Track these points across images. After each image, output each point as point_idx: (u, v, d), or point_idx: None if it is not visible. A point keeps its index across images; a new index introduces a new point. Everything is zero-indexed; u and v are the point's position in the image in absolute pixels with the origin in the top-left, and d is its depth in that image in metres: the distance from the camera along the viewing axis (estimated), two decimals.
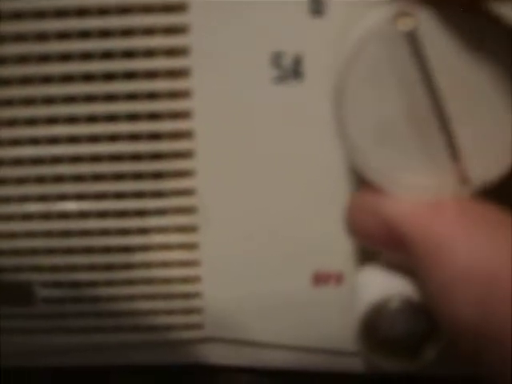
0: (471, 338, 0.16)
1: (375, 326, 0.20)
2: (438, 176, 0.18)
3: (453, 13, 0.16)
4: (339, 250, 0.21)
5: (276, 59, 0.19)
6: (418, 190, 0.18)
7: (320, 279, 0.22)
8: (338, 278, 0.22)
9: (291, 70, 0.19)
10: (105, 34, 0.19)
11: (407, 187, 0.18)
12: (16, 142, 0.21)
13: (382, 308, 0.20)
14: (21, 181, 0.21)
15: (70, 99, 0.20)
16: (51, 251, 0.22)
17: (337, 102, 0.18)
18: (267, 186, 0.21)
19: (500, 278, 0.15)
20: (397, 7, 0.17)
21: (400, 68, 0.17)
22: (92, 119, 0.20)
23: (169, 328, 0.23)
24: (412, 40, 0.17)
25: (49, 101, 0.20)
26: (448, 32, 0.17)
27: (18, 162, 0.21)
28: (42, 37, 0.19)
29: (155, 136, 0.20)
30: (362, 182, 0.19)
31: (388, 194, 0.18)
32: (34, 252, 0.22)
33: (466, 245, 0.16)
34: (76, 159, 0.21)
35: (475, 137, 0.17)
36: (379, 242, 0.18)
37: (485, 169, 0.17)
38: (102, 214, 0.21)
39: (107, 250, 0.22)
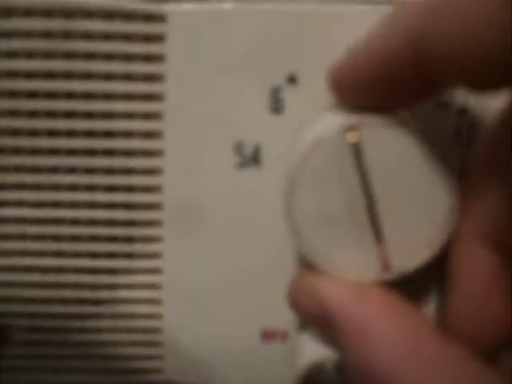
0: None
1: (316, 382, 0.23)
2: (365, 260, 0.20)
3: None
4: (285, 309, 0.24)
5: (238, 147, 0.22)
6: (347, 271, 0.21)
7: (268, 336, 0.24)
8: (284, 336, 0.24)
9: (251, 158, 0.22)
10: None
11: (338, 267, 0.21)
12: (2, 204, 0.23)
13: (319, 368, 0.22)
14: (4, 237, 0.23)
15: (55, 169, 0.23)
16: (30, 300, 0.24)
17: (287, 193, 0.20)
18: (224, 252, 0.23)
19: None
20: (347, 121, 0.19)
21: (343, 171, 0.20)
22: (73, 188, 0.23)
23: (133, 371, 0.25)
24: (355, 150, 0.20)
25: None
26: (386, 145, 0.19)
27: (1, 220, 0.23)
28: None
29: (128, 206, 0.23)
30: (303, 259, 0.22)
31: (322, 275, 0.21)
32: (13, 300, 0.24)
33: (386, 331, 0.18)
34: (57, 221, 0.23)
35: (400, 231, 0.20)
36: (314, 320, 0.20)
37: (405, 259, 0.20)
38: (77, 270, 0.24)
39: (80, 301, 0.24)
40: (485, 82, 0.16)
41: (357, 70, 0.19)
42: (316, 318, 0.20)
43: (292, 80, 0.21)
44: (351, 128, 0.19)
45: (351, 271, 0.21)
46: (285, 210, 0.21)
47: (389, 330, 0.18)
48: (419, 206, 0.20)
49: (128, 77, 0.22)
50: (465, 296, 0.20)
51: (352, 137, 0.20)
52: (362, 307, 0.19)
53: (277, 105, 0.22)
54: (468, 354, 0.17)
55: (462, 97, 0.22)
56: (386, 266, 0.20)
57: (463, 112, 0.22)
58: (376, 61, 0.18)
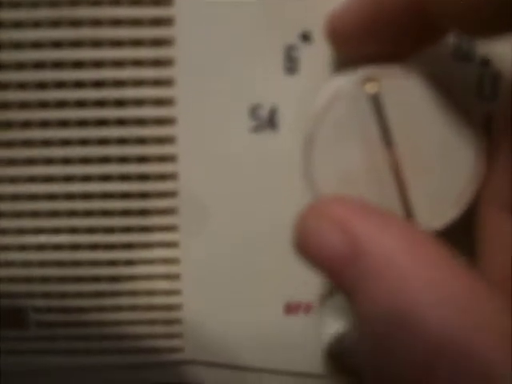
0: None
1: (339, 352, 0.22)
2: None
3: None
4: (308, 281, 0.23)
5: (254, 111, 0.21)
6: None
7: (291, 309, 0.24)
8: (307, 308, 0.24)
9: (267, 121, 0.22)
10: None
11: None
12: (14, 180, 0.22)
13: (345, 337, 0.22)
14: (18, 215, 0.23)
15: (67, 142, 0.22)
16: (45, 280, 0.23)
17: (306, 152, 0.20)
18: (243, 223, 0.23)
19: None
20: (364, 73, 0.19)
21: (363, 126, 0.19)
22: (85, 161, 0.22)
23: (151, 351, 0.25)
24: (375, 101, 0.19)
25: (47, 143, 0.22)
26: (406, 96, 0.19)
27: (16, 197, 0.23)
28: None
29: (143, 177, 0.22)
30: None
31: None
32: (28, 280, 0.24)
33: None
34: (69, 196, 0.23)
35: (425, 187, 0.19)
36: (329, 259, 0.17)
37: (431, 217, 0.20)
38: (92, 246, 0.23)
39: (96, 279, 0.24)
40: (483, 25, 0.16)
41: (354, 17, 0.19)
42: (334, 256, 0.17)
43: (306, 38, 0.21)
44: (370, 79, 0.19)
45: None
46: (303, 170, 0.20)
47: (428, 272, 0.16)
48: (444, 161, 0.19)
49: (137, 43, 0.21)
50: (490, 261, 0.19)
51: (371, 87, 0.19)
52: (398, 243, 0.16)
53: (291, 64, 0.21)
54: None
55: (484, 48, 0.21)
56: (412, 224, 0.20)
57: (485, 64, 0.21)
58: (372, 5, 0.18)
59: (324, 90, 0.20)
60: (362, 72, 0.19)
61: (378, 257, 0.16)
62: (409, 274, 0.15)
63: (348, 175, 0.20)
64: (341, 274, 0.17)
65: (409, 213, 0.19)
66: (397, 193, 0.19)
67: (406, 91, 0.19)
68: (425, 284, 0.15)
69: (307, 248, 0.18)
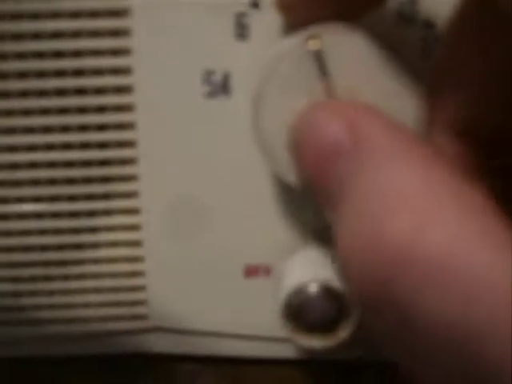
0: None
1: (296, 309, 0.23)
2: None
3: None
4: (265, 244, 0.24)
5: (207, 76, 0.22)
6: None
7: (250, 272, 0.24)
8: (266, 270, 0.24)
9: (220, 86, 0.22)
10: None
11: None
12: None
13: (302, 292, 0.22)
14: None
15: (28, 111, 0.23)
16: (9, 249, 0.24)
17: (255, 111, 0.21)
18: (201, 187, 0.23)
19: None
20: (307, 31, 0.20)
21: (308, 82, 0.20)
22: (48, 129, 0.23)
23: (116, 319, 0.25)
24: (318, 58, 0.20)
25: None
26: (349, 52, 0.20)
27: None
28: None
29: (102, 145, 0.23)
30: (280, 184, 0.22)
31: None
32: None
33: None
34: (33, 165, 0.23)
35: None
36: (324, 152, 0.17)
37: None
38: (56, 215, 0.24)
39: (60, 247, 0.24)
40: None
41: None
42: (331, 143, 0.17)
43: (255, 5, 0.22)
44: (312, 36, 0.20)
45: None
46: (254, 131, 0.21)
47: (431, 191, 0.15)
48: (387, 106, 0.20)
49: (95, 14, 0.22)
50: None
51: (313, 44, 0.20)
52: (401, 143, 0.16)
53: (242, 31, 0.22)
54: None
55: (427, 10, 0.22)
56: None
57: (429, 26, 0.22)
58: None
59: (271, 51, 0.21)
60: (305, 31, 0.20)
61: (377, 156, 0.15)
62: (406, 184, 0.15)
63: None
64: (331, 167, 0.16)
65: None
66: None
67: (348, 47, 0.20)
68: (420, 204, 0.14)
69: (304, 137, 0.18)
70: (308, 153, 0.18)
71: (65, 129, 0.23)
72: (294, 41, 0.20)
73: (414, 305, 0.14)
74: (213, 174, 0.23)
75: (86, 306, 0.25)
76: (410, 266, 0.14)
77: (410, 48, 0.22)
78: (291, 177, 0.21)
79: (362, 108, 0.17)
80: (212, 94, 0.23)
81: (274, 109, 0.20)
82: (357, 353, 0.25)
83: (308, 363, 0.26)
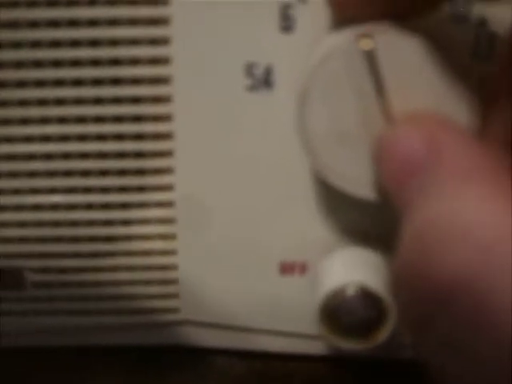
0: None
1: (333, 310, 0.22)
2: None
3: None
4: (303, 241, 0.23)
5: (249, 69, 0.22)
6: (364, 188, 0.20)
7: (286, 269, 0.24)
8: (302, 268, 0.24)
9: (262, 80, 0.22)
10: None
11: (355, 185, 0.20)
12: (10, 140, 0.22)
13: (340, 294, 0.22)
14: (14, 175, 0.23)
15: (62, 101, 0.22)
16: (41, 240, 0.24)
17: (300, 109, 0.20)
18: (239, 182, 0.23)
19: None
20: (359, 29, 0.19)
21: (357, 82, 0.19)
22: (81, 120, 0.22)
23: (149, 311, 0.25)
24: (369, 58, 0.19)
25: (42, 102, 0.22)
26: (401, 53, 0.19)
27: (12, 157, 0.23)
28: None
29: (138, 136, 0.22)
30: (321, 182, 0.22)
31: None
32: (25, 240, 0.24)
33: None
34: (66, 156, 0.23)
35: None
36: (405, 161, 0.17)
37: None
38: (89, 206, 0.23)
39: (93, 239, 0.24)
40: None
41: None
42: (411, 155, 0.17)
43: None
44: (364, 35, 0.19)
45: (368, 189, 0.20)
46: (298, 127, 0.20)
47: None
48: (438, 112, 0.19)
49: (133, 1, 0.21)
50: None
51: (365, 44, 0.19)
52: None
53: (287, 23, 0.21)
54: None
55: (481, 9, 0.21)
56: None
57: (482, 25, 0.21)
58: None
59: (319, 47, 0.20)
60: (356, 29, 0.19)
61: (455, 171, 0.15)
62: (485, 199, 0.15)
63: (342, 131, 0.20)
64: (409, 178, 0.16)
65: None
66: None
67: (400, 48, 0.19)
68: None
69: (388, 150, 0.18)
70: (387, 164, 0.18)
71: (99, 119, 0.22)
72: (345, 38, 0.19)
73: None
74: (251, 169, 0.23)
75: (118, 297, 0.24)
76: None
77: (461, 49, 0.21)
78: (332, 176, 0.20)
79: (443, 123, 0.17)
80: (254, 88, 0.22)
81: (319, 106, 0.20)
82: (382, 351, 0.25)
83: (337, 360, 0.26)
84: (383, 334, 0.22)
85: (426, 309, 0.15)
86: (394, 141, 0.17)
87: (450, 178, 0.15)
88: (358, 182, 0.20)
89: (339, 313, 0.22)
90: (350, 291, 0.22)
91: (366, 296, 0.22)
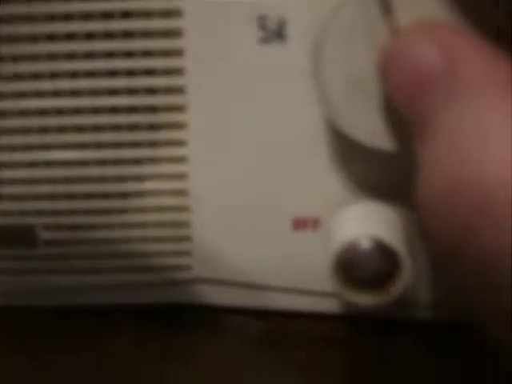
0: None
1: (347, 264, 0.22)
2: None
3: None
4: (315, 196, 0.23)
5: (261, 21, 0.21)
6: (387, 143, 0.20)
7: (299, 224, 0.24)
8: (315, 223, 0.24)
9: (275, 32, 0.21)
10: None
11: (373, 135, 0.20)
12: (21, 95, 0.22)
13: (353, 247, 0.22)
14: (26, 131, 0.23)
15: (72, 56, 0.22)
16: (53, 197, 0.24)
17: (315, 59, 0.20)
18: (250, 136, 0.23)
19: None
20: None
21: (373, 29, 0.19)
22: (92, 74, 0.22)
23: (160, 269, 0.25)
24: (385, 5, 0.19)
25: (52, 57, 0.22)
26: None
27: (23, 113, 0.23)
28: None
29: (150, 91, 0.22)
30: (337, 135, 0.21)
31: None
32: (36, 197, 0.24)
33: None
34: (77, 111, 0.22)
35: None
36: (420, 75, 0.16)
37: None
38: (100, 162, 0.23)
39: (105, 195, 0.24)
40: None
41: None
42: (427, 68, 0.16)
43: None
44: None
45: (383, 138, 0.20)
46: (313, 78, 0.20)
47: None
48: None
49: None
50: None
51: None
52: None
53: None
54: None
55: None
56: None
57: None
58: None
59: None
60: None
61: (470, 88, 0.15)
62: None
63: (358, 80, 0.19)
64: (423, 91, 0.15)
65: None
66: None
67: None
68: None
69: (398, 62, 0.17)
70: (397, 77, 0.17)
71: (111, 73, 0.22)
72: None
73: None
74: (263, 124, 0.23)
75: (131, 255, 0.24)
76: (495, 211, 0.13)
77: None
78: (348, 127, 0.20)
79: (456, 31, 0.16)
80: (266, 40, 0.21)
81: (335, 56, 0.19)
82: (396, 310, 0.24)
83: (352, 318, 0.26)
84: (398, 288, 0.22)
85: (464, 223, 0.14)
86: (405, 51, 0.16)
87: (467, 90, 0.14)
88: (374, 132, 0.20)
89: (353, 266, 0.22)
90: (364, 244, 0.22)
91: (381, 249, 0.22)
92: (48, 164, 0.23)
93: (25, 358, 0.24)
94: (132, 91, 0.22)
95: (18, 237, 0.24)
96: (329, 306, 0.25)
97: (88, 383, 0.23)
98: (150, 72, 0.22)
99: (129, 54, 0.22)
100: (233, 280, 0.25)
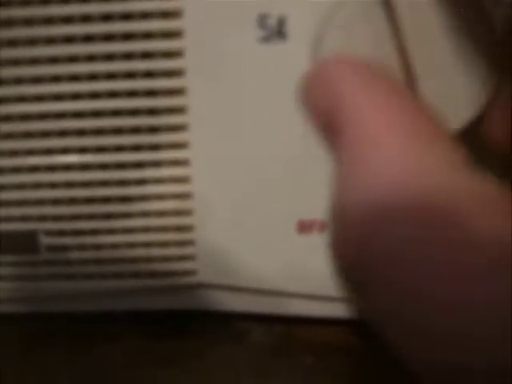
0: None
1: None
2: None
3: None
4: (321, 198, 0.23)
5: (262, 20, 0.21)
6: None
7: (304, 227, 0.23)
8: (321, 226, 0.23)
9: (276, 31, 0.21)
10: None
11: None
12: (22, 99, 0.22)
13: None
14: (27, 135, 0.23)
15: (73, 59, 0.22)
16: (55, 201, 0.23)
17: (314, 55, 0.19)
18: (253, 137, 0.22)
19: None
20: None
21: (374, 27, 0.19)
22: (93, 77, 0.22)
23: (164, 275, 0.24)
24: (386, 3, 0.18)
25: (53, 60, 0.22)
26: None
27: (25, 117, 0.22)
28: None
29: (151, 93, 0.22)
30: None
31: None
32: (39, 202, 0.23)
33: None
34: (78, 115, 0.22)
35: (437, 90, 0.19)
36: (321, 116, 0.16)
37: (448, 119, 0.19)
38: (102, 166, 0.23)
39: (107, 199, 0.23)
40: None
41: None
42: (324, 113, 0.16)
43: None
44: None
45: None
46: None
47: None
48: (457, 62, 0.19)
49: None
50: None
51: None
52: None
53: None
54: None
55: None
56: None
57: None
58: None
59: None
60: None
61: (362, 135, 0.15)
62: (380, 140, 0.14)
63: None
64: (325, 130, 0.16)
65: None
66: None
67: None
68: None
69: (305, 102, 0.17)
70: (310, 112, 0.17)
71: (111, 76, 0.22)
72: None
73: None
74: (266, 122, 0.22)
75: (134, 260, 0.24)
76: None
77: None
78: None
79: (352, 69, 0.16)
80: (267, 39, 0.21)
81: (334, 52, 0.19)
82: None
83: (358, 323, 0.25)
84: None
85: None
86: (310, 95, 0.17)
87: (357, 142, 0.15)
88: None
89: None
90: None
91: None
92: (50, 168, 0.23)
93: (27, 363, 0.24)
94: (133, 93, 0.22)
95: (20, 243, 0.24)
96: (337, 311, 0.25)
97: None
98: (150, 74, 0.22)
99: (129, 56, 0.22)
100: (237, 285, 0.24)
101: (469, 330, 0.12)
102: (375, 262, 0.13)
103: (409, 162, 0.14)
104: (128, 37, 0.21)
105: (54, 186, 0.23)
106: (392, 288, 0.13)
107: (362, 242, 0.14)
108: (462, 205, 0.13)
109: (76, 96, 0.22)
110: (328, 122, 0.16)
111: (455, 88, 0.19)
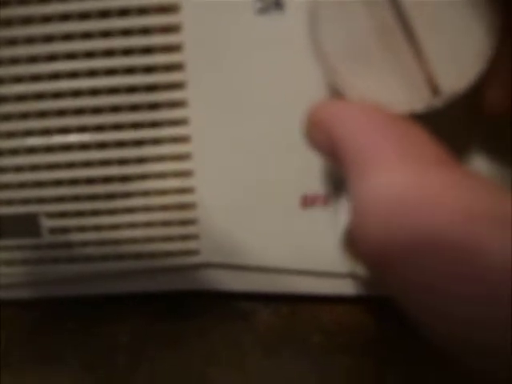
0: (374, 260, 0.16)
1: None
2: (410, 89, 0.19)
3: None
4: (323, 172, 0.23)
5: None
6: (393, 105, 0.19)
7: (308, 201, 0.23)
8: (324, 200, 0.23)
9: (273, 2, 0.21)
10: None
11: (381, 99, 0.19)
12: (18, 79, 0.22)
13: None
14: (24, 116, 0.22)
15: (69, 36, 0.22)
16: (55, 183, 0.23)
17: (312, 26, 0.19)
18: (254, 111, 0.22)
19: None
20: None
21: None
22: (90, 55, 0.22)
23: (167, 255, 0.24)
24: None
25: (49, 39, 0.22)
26: None
27: (21, 98, 0.22)
28: None
29: (149, 69, 0.22)
30: None
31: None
32: (38, 184, 0.23)
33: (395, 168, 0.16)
34: (76, 94, 0.22)
35: (442, 49, 0.19)
36: (326, 154, 0.19)
37: (452, 80, 0.19)
38: (102, 145, 0.23)
39: (108, 179, 0.23)
40: None
41: None
42: (327, 151, 0.19)
43: None
44: None
45: (397, 104, 0.19)
46: (313, 51, 0.19)
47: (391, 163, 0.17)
48: (458, 21, 0.18)
49: None
50: None
51: None
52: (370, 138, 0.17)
53: None
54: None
55: None
56: (434, 89, 0.19)
57: None
58: None
59: None
60: None
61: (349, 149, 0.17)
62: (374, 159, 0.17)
63: (358, 44, 0.19)
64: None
65: (429, 75, 0.19)
66: (412, 56, 0.19)
67: None
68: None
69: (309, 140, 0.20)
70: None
71: (108, 53, 0.22)
72: None
73: None
74: (266, 95, 0.22)
75: (136, 241, 0.24)
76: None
77: None
78: (349, 89, 0.19)
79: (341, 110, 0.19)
80: (264, 10, 0.21)
81: (331, 20, 0.19)
82: None
83: (365, 300, 0.25)
84: None
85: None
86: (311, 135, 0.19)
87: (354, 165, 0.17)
88: (379, 97, 0.19)
89: None
90: None
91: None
92: (49, 149, 0.23)
93: (33, 348, 0.24)
94: (130, 70, 0.22)
95: (21, 226, 0.23)
96: (344, 288, 0.24)
97: (99, 368, 0.23)
98: (148, 50, 0.22)
99: (127, 33, 0.21)
100: (242, 263, 0.24)
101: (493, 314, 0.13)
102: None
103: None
104: (125, 13, 0.21)
105: (53, 166, 0.23)
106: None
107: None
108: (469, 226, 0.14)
109: (73, 74, 0.22)
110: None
111: (458, 46, 0.19)
